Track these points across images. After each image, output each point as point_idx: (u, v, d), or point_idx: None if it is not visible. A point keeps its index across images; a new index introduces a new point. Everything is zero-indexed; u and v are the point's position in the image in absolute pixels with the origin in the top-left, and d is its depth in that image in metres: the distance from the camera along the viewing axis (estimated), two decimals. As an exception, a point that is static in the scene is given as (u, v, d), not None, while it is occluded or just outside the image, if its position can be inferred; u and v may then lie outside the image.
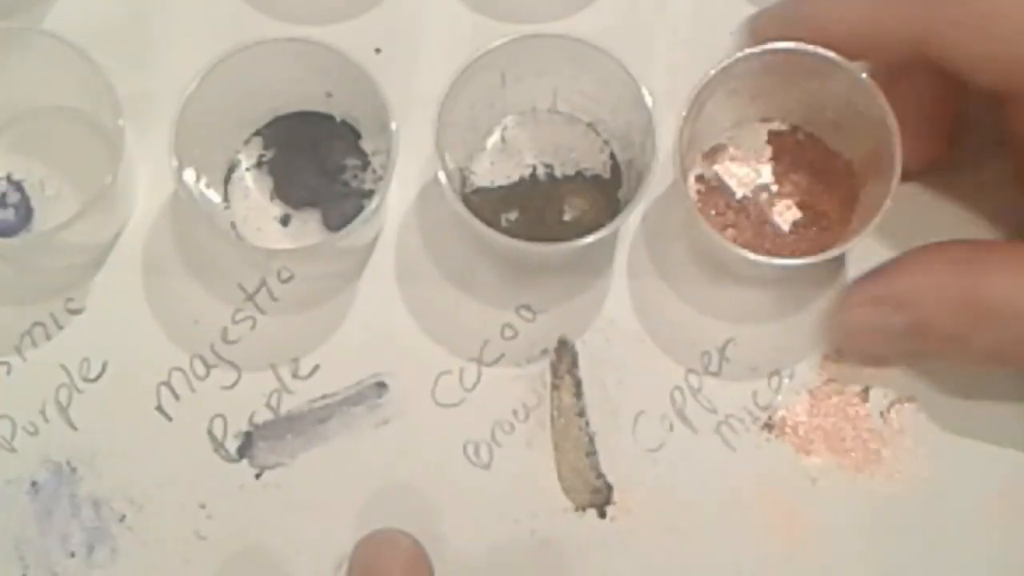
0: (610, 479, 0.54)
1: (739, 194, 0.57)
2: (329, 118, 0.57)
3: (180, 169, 0.52)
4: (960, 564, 0.54)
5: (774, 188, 0.57)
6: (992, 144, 0.56)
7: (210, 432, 0.55)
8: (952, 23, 0.49)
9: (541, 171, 0.57)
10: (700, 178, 0.57)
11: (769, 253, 0.55)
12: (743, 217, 0.56)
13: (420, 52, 0.59)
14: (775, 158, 0.57)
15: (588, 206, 0.56)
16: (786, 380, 0.56)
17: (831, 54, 0.53)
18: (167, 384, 0.55)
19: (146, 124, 0.55)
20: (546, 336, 0.56)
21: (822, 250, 0.53)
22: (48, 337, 0.56)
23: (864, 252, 0.55)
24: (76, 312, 0.56)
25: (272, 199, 0.57)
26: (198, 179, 0.54)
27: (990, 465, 0.54)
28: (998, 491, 0.54)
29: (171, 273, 0.56)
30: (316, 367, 0.55)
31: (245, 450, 0.55)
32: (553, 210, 0.56)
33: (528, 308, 0.56)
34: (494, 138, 0.57)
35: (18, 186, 0.57)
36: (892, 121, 0.52)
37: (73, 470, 0.55)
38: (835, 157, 0.57)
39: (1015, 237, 0.56)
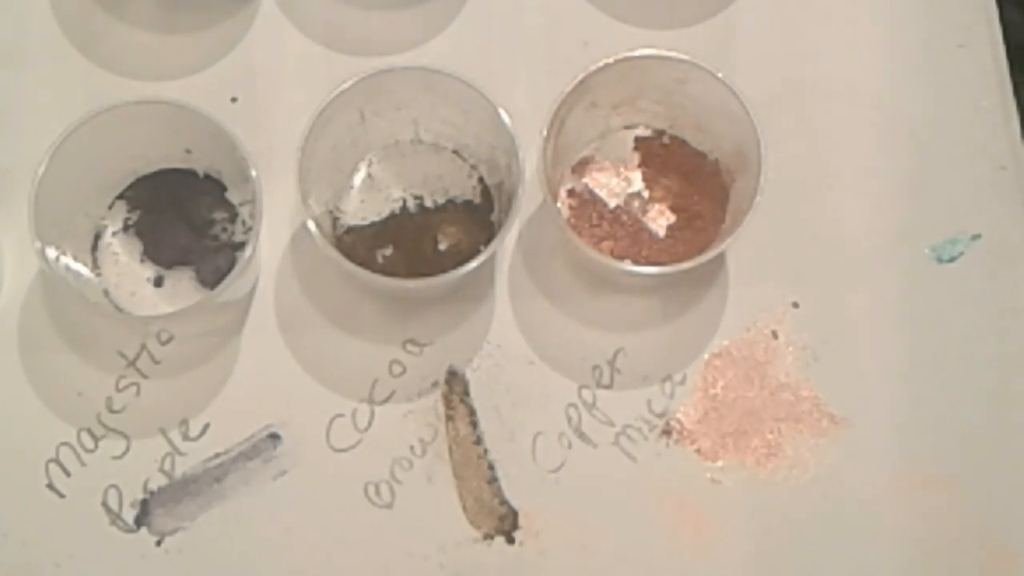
0: (514, 504, 0.54)
1: (612, 204, 0.56)
2: (192, 174, 0.56)
3: (43, 249, 0.51)
4: (869, 541, 0.54)
5: (646, 194, 0.57)
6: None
7: (105, 504, 0.54)
8: None
9: (411, 203, 0.56)
10: (571, 192, 0.57)
11: (647, 260, 0.55)
12: (618, 227, 0.56)
13: (277, 95, 0.58)
14: (644, 164, 0.57)
15: (462, 233, 0.56)
16: (679, 384, 0.56)
17: (685, 56, 0.53)
18: (56, 460, 0.54)
19: (2, 201, 0.55)
20: (435, 368, 0.55)
21: (700, 251, 0.54)
22: (-71, 425, 0.55)
23: (742, 248, 0.56)
24: (-44, 397, 0.55)
25: (143, 261, 0.56)
26: (64, 253, 0.53)
27: (885, 447, 0.55)
28: (894, 472, 0.55)
29: (48, 348, 0.55)
30: (206, 426, 0.55)
31: (143, 519, 0.54)
32: (428, 241, 0.56)
33: (414, 342, 0.56)
34: (360, 175, 0.57)
35: None
36: (752, 117, 0.52)
37: (-32, 558, 0.54)
38: (702, 157, 0.57)
39: None
